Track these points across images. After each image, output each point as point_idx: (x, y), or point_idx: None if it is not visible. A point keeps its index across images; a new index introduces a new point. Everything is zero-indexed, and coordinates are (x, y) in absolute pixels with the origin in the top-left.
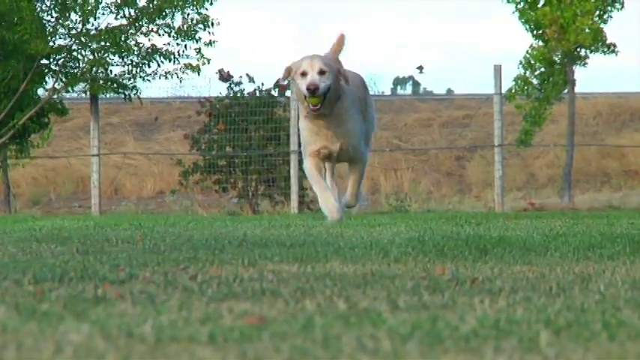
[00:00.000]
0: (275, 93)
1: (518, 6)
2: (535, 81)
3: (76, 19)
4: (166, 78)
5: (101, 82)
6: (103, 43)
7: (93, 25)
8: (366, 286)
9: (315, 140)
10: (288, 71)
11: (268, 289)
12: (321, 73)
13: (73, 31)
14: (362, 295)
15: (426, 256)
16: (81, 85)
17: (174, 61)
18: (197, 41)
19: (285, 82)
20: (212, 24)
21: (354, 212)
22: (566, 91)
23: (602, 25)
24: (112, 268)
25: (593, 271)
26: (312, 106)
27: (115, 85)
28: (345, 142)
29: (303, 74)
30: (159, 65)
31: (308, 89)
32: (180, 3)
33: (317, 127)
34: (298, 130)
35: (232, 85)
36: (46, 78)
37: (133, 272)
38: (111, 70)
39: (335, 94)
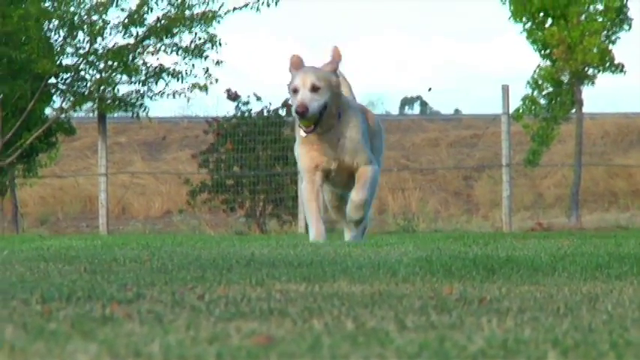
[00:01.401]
0: (283, 113)
1: (526, 26)
2: (543, 101)
3: (84, 39)
4: (174, 97)
5: (109, 101)
6: (110, 63)
7: (100, 44)
8: (373, 306)
9: (312, 157)
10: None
11: (276, 309)
12: (314, 89)
13: (81, 51)
14: (370, 314)
15: (433, 275)
16: (88, 105)
17: (182, 81)
18: (205, 59)
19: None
20: (219, 43)
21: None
22: (573, 110)
23: (609, 46)
24: (119, 287)
25: (601, 291)
26: (304, 128)
27: (123, 104)
28: (346, 162)
29: (295, 91)
30: (166, 84)
31: (297, 112)
32: (188, 22)
33: (312, 144)
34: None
35: (240, 105)
36: (54, 97)
37: (141, 292)
38: (118, 90)
39: (334, 110)
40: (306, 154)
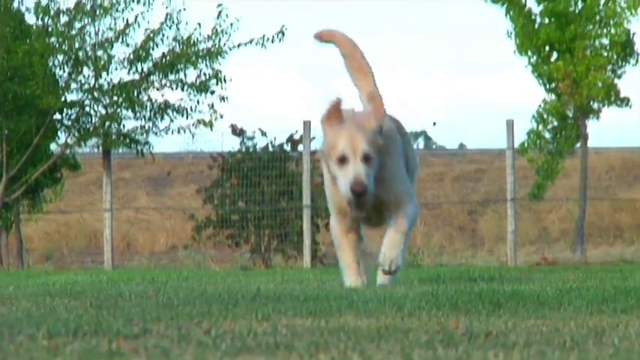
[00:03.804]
0: (287, 147)
1: (532, 60)
2: (548, 135)
3: (89, 74)
4: (179, 133)
5: (114, 137)
6: (115, 98)
7: (105, 80)
8: (380, 340)
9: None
10: (323, 153)
11: (282, 343)
12: (367, 159)
13: (86, 86)
14: (376, 349)
15: (439, 310)
16: (93, 140)
17: (187, 117)
18: (212, 93)
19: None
20: (224, 79)
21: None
22: (578, 145)
23: (615, 80)
24: (125, 322)
25: (607, 325)
26: (354, 209)
27: (128, 140)
28: (384, 194)
29: (342, 160)
30: (172, 120)
31: (353, 191)
32: (193, 58)
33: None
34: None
35: (245, 140)
36: (59, 133)
37: (147, 327)
38: (124, 125)
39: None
40: (338, 196)
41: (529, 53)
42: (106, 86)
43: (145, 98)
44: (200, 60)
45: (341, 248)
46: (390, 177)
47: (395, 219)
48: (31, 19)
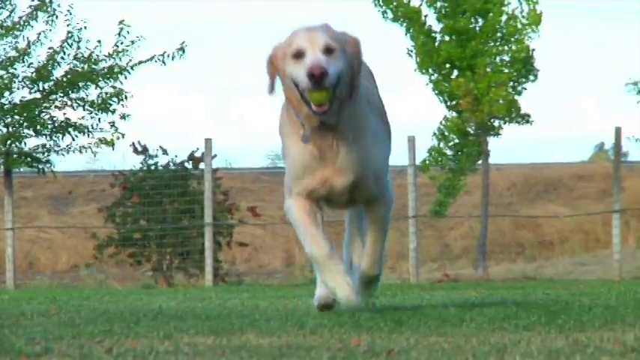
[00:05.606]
0: (189, 165)
1: (432, 77)
2: (449, 152)
3: None
4: (80, 152)
5: (15, 156)
6: (17, 117)
7: (7, 99)
8: (282, 358)
9: (311, 170)
10: (272, 61)
11: None
12: (329, 51)
13: None
14: None
15: (341, 327)
16: None
17: (89, 135)
18: (113, 113)
19: (271, 88)
20: (125, 97)
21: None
22: (480, 162)
23: (516, 96)
24: (27, 341)
25: (509, 342)
26: (315, 107)
27: (29, 159)
28: (362, 173)
29: (298, 55)
30: (73, 139)
31: (311, 75)
32: (94, 76)
33: (316, 149)
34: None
35: (147, 158)
36: None
37: (49, 346)
38: (25, 144)
39: (347, 89)
40: (301, 165)
41: (430, 71)
42: (7, 105)
43: (47, 117)
44: (101, 78)
45: (308, 235)
46: (370, 143)
47: (372, 222)
48: None
